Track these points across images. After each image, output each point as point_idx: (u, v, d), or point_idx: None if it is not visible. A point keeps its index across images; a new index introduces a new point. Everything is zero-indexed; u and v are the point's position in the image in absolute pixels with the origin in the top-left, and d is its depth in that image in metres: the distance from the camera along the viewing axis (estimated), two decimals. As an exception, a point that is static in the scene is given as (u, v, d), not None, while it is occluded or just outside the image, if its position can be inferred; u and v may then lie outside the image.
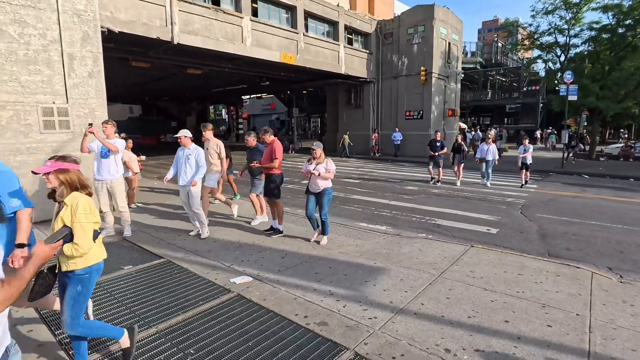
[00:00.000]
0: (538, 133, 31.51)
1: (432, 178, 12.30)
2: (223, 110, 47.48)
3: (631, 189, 11.54)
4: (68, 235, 1.71)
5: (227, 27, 13.72)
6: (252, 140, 6.70)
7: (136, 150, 8.86)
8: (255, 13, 15.17)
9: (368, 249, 5.37)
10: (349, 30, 20.57)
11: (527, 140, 12.09)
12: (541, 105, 34.84)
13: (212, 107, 47.75)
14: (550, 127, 30.93)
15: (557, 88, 19.24)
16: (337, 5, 19.40)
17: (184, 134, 5.75)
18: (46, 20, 6.98)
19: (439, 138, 12.09)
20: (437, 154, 11.97)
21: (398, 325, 3.32)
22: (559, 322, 3.39)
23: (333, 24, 19.41)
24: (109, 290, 4.05)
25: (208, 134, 6.60)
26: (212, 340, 3.06)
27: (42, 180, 6.56)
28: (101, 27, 8.35)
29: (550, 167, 16.41)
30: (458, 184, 12.02)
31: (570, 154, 19.24)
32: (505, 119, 39.84)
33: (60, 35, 7.15)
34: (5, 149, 6.63)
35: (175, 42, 12.01)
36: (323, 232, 5.71)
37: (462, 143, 12.54)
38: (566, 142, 18.17)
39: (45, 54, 7.00)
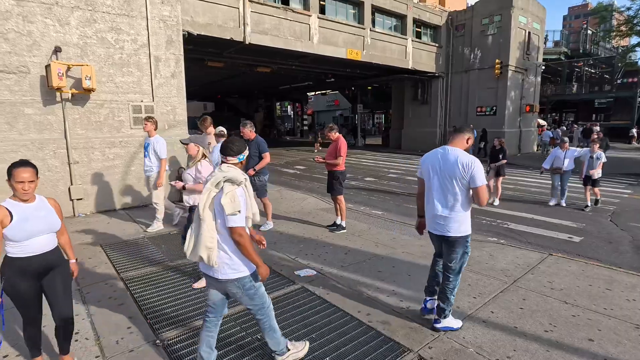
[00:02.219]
0: (634, 131, 27.74)
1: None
2: (289, 106, 48.86)
3: None
4: None
5: (295, 26, 14.05)
6: (248, 132, 5.89)
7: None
8: (322, 10, 15.33)
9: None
10: (418, 23, 19.88)
11: (597, 145, 8.57)
12: (639, 99, 30.69)
13: (278, 103, 49.32)
14: None
15: (660, 80, 16.83)
16: (406, -2, 18.86)
17: None
18: (137, 27, 7.73)
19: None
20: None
21: (465, 332, 3.18)
22: (656, 346, 3.00)
23: (401, 17, 18.90)
24: (186, 272, 4.41)
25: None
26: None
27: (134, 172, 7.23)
28: (182, 31, 9.04)
29: (649, 170, 14.43)
30: (496, 202, 8.81)
31: (675, 156, 16.75)
32: (594, 115, 35.74)
33: (149, 40, 7.88)
34: (103, 142, 7.52)
35: (247, 42, 12.59)
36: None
37: (503, 146, 9.00)
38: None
39: (136, 57, 7.77)
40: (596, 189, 8.43)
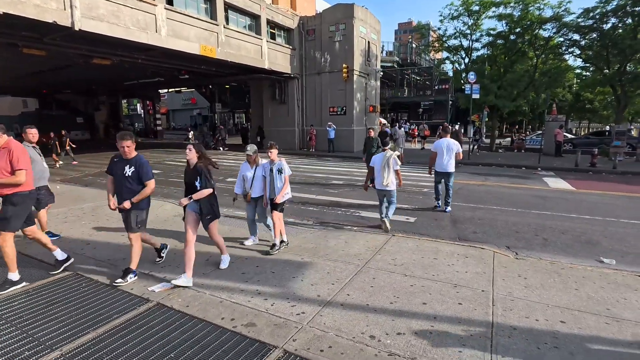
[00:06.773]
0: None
1: None
2: (138, 104, 44.07)
3: (523, 177, 13.21)
4: None
5: (138, 15, 12.67)
6: None
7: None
8: (170, 1, 14.24)
9: (296, 244, 5.39)
10: (272, 24, 20.34)
11: (276, 156, 5.15)
12: (450, 102, 38.18)
13: (125, 101, 43.94)
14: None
15: (463, 87, 21.23)
16: (259, -1, 19.06)
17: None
18: None
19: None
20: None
21: (325, 318, 3.38)
22: (468, 299, 3.75)
23: (255, 17, 19.02)
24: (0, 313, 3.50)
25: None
26: (128, 356, 2.82)
27: None
28: (-22, 7, 7.14)
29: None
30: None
31: (475, 147, 21.39)
32: (421, 115, 42.96)
33: None
34: None
35: (76, 28, 10.78)
36: None
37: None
38: (472, 135, 20.16)
39: None
40: (275, 215, 5.12)
